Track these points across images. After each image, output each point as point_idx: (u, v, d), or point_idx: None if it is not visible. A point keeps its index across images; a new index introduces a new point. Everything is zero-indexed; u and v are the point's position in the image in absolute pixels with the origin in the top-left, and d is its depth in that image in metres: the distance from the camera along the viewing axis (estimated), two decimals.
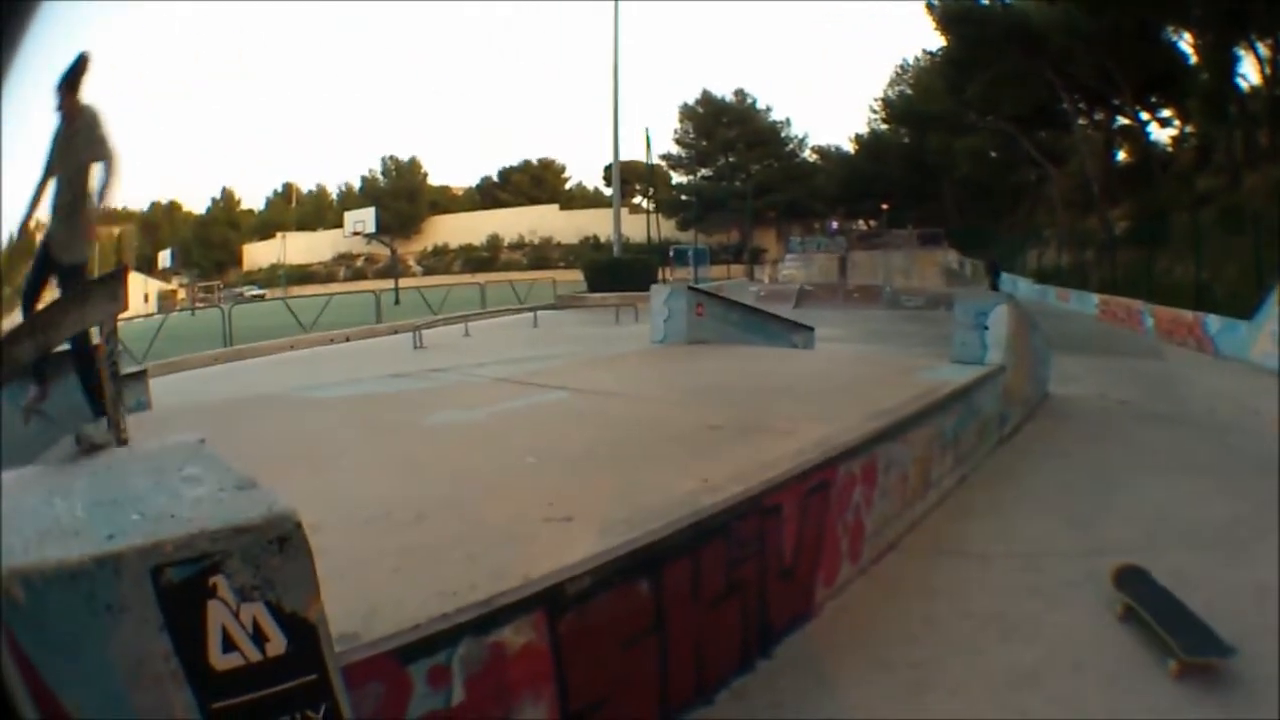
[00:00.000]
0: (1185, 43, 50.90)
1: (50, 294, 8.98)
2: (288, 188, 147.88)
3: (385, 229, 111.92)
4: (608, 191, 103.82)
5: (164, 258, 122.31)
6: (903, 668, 6.65)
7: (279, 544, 2.87)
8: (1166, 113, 60.74)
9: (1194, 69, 51.25)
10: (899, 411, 10.13)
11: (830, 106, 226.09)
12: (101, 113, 8.53)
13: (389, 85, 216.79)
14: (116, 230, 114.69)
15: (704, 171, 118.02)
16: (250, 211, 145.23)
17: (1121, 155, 68.85)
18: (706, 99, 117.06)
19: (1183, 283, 33.27)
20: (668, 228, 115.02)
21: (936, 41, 70.23)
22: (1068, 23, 49.05)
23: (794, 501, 7.20)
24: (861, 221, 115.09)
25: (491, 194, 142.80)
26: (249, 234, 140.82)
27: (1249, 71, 47.50)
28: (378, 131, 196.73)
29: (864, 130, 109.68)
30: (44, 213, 8.66)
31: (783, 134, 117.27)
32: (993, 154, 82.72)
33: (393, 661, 3.97)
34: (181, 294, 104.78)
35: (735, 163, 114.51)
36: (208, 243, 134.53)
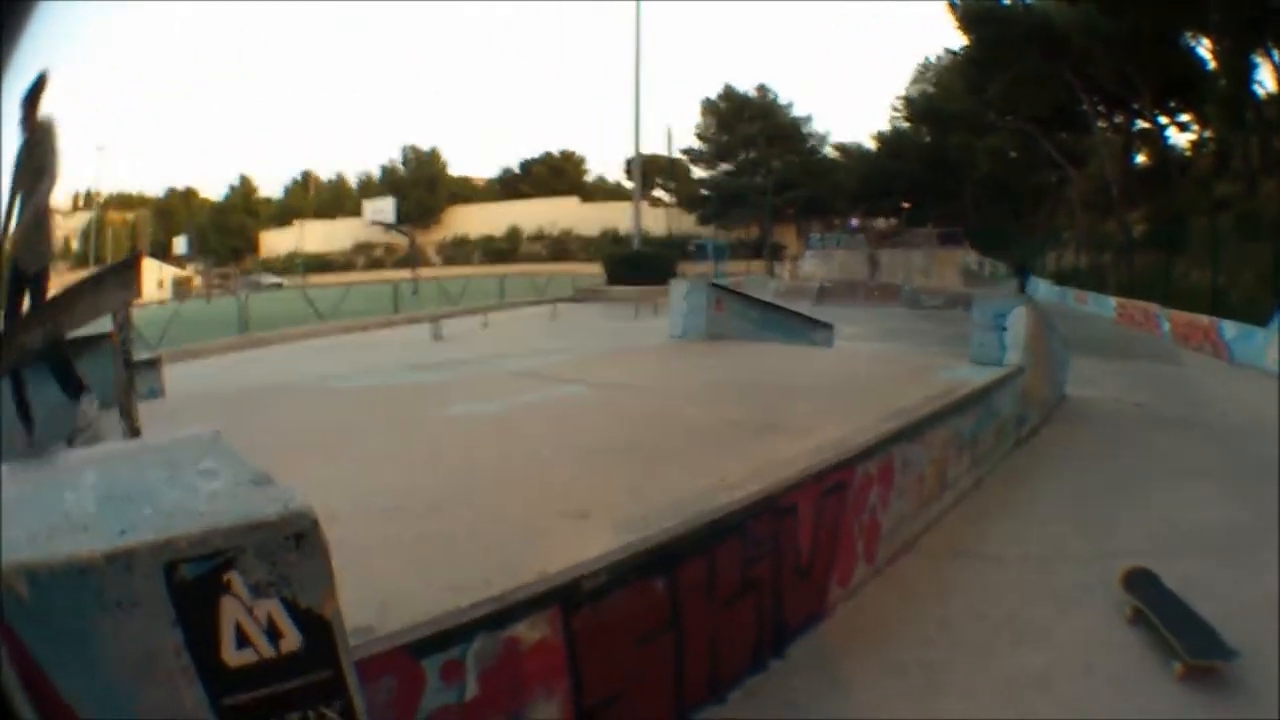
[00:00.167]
0: (1204, 48, 50.72)
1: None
2: (307, 176, 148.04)
3: (405, 219, 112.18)
4: (628, 184, 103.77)
5: (179, 244, 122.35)
6: (915, 669, 6.63)
7: (295, 541, 2.83)
8: (1185, 117, 60.58)
9: (1212, 74, 51.06)
10: (916, 412, 10.07)
11: (852, 104, 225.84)
12: (57, 126, 8.61)
13: (411, 75, 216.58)
14: (131, 216, 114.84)
15: (725, 166, 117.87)
16: (268, 199, 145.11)
17: (1140, 158, 68.68)
18: (728, 94, 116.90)
19: (1199, 287, 33.14)
20: (688, 222, 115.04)
21: (958, 40, 70.06)
22: (1088, 25, 48.90)
23: (810, 501, 7.16)
24: (882, 219, 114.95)
25: (512, 185, 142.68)
26: (267, 222, 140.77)
27: (1266, 78, 47.34)
28: (399, 121, 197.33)
29: (885, 128, 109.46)
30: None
31: (804, 130, 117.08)
32: (1013, 154, 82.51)
33: (406, 656, 3.95)
34: (197, 281, 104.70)
35: (756, 158, 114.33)
36: (225, 230, 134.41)
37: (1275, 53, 44.00)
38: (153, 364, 13.15)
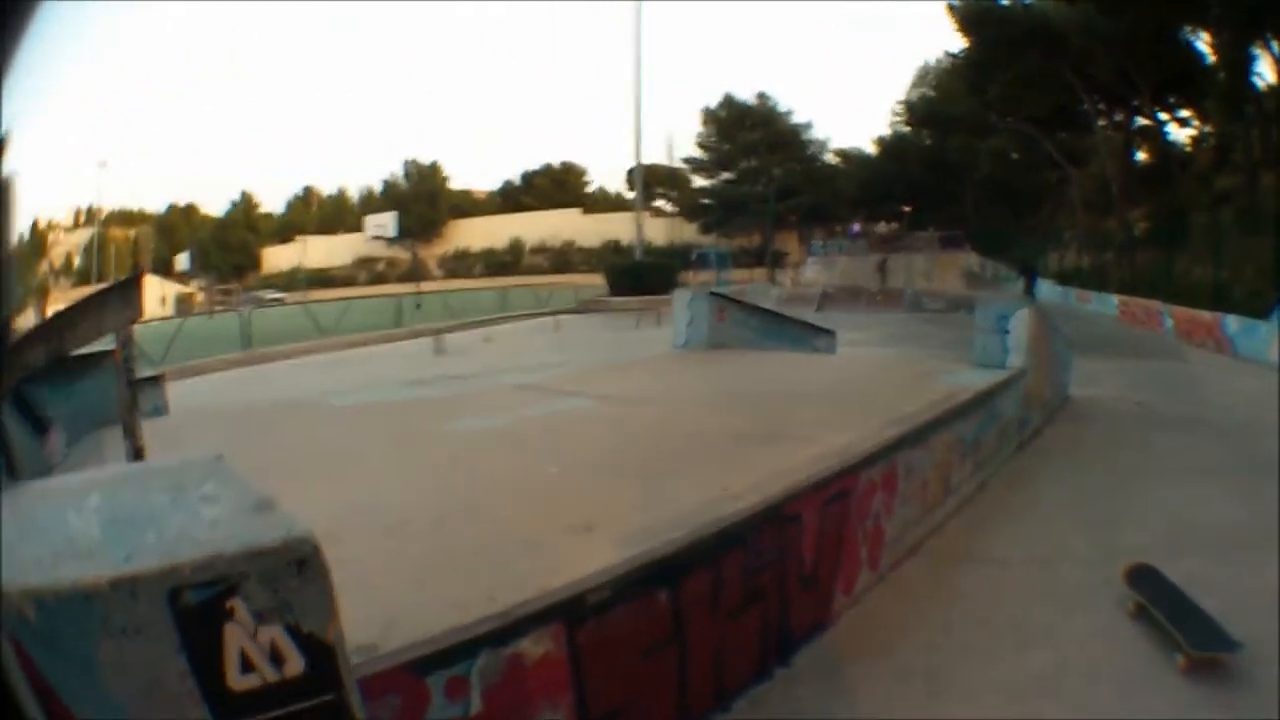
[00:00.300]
0: (1203, 43, 50.71)
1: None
2: (308, 191, 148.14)
3: (406, 233, 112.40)
4: (629, 195, 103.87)
5: (182, 260, 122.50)
6: (920, 674, 6.67)
7: (297, 567, 2.87)
8: (1185, 113, 60.58)
9: (1211, 69, 51.06)
10: (919, 417, 10.10)
11: (852, 109, 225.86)
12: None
13: (411, 88, 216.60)
14: (132, 233, 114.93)
15: (726, 175, 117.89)
16: (270, 215, 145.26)
17: (1141, 156, 68.67)
18: (729, 102, 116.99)
19: (1202, 283, 33.14)
20: (690, 231, 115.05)
21: (957, 43, 70.05)
22: (1087, 24, 48.92)
23: (814, 510, 7.20)
24: (883, 224, 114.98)
25: (513, 197, 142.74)
26: (268, 237, 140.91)
27: (1265, 71, 47.36)
28: (399, 135, 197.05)
29: (885, 133, 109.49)
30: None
31: (804, 137, 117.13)
32: (1014, 155, 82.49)
33: (410, 673, 3.99)
34: (200, 297, 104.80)
35: (757, 166, 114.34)
36: (226, 246, 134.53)
37: (1275, 45, 44.01)
38: (156, 381, 13.20)
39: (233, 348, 34.34)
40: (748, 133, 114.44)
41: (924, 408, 10.69)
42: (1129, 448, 14.17)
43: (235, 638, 2.76)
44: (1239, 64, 46.88)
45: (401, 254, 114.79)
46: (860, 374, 15.78)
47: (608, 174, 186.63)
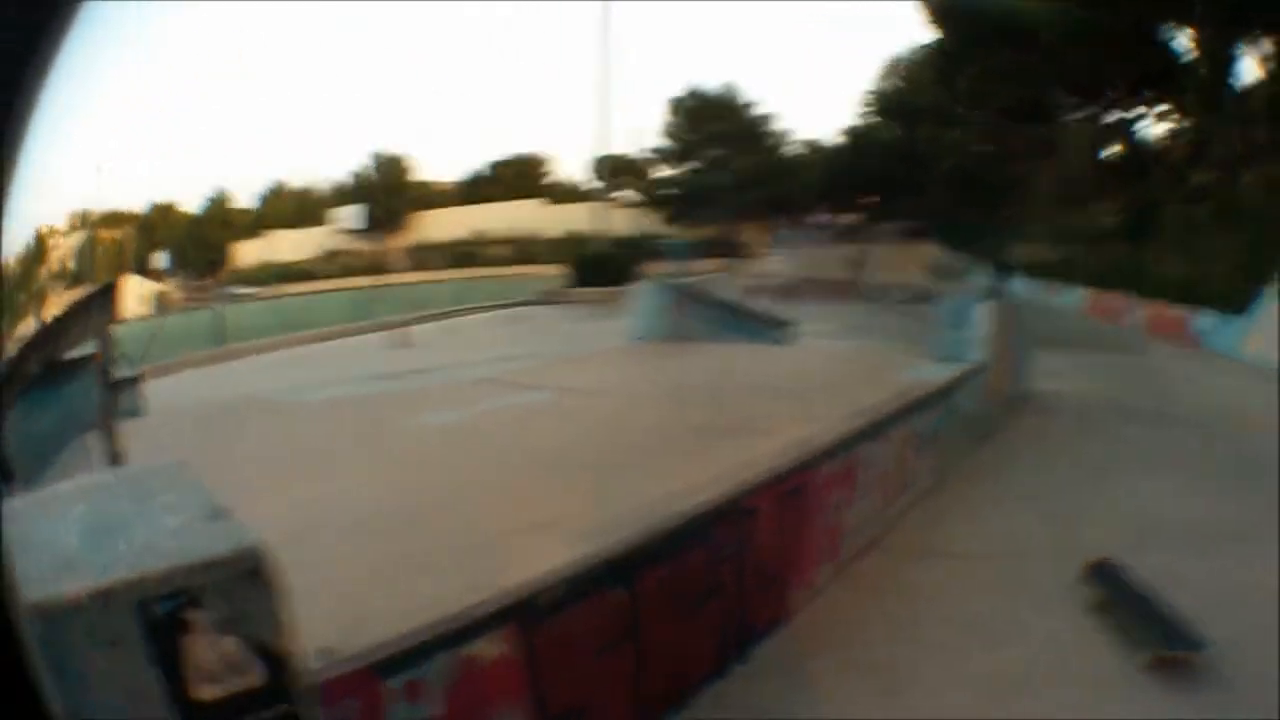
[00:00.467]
0: (1185, 39, 50.85)
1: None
2: (278, 185, 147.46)
3: (373, 225, 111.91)
4: (592, 186, 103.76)
5: (160, 259, 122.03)
6: (880, 670, 6.72)
7: (248, 577, 2.92)
8: (1163, 107, 60.81)
9: (1191, 65, 51.26)
10: (878, 410, 10.20)
11: (818, 100, 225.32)
12: None
13: (376, 79, 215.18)
14: (118, 234, 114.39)
15: (690, 165, 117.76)
16: (242, 210, 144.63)
17: (1112, 150, 68.89)
18: (694, 93, 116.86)
19: (1172, 277, 33.27)
20: (653, 222, 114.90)
21: (928, 35, 70.07)
22: (1062, 19, 49.02)
23: (771, 504, 7.27)
24: (848, 215, 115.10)
25: (477, 188, 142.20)
26: (241, 232, 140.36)
27: (1249, 68, 47.59)
28: (365, 126, 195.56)
29: (852, 124, 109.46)
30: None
31: (769, 128, 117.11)
32: (981, 147, 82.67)
33: (370, 676, 4.03)
34: (177, 295, 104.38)
35: (720, 157, 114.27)
36: (202, 242, 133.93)
37: (1263, 41, 44.24)
38: (134, 381, 13.20)
39: (207, 345, 34.61)
40: (712, 123, 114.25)
41: (883, 401, 10.77)
42: (1094, 442, 14.26)
43: (198, 648, 2.81)
44: (1221, 60, 47.09)
45: (367, 247, 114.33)
46: (820, 366, 15.89)
47: (571, 164, 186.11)
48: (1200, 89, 50.68)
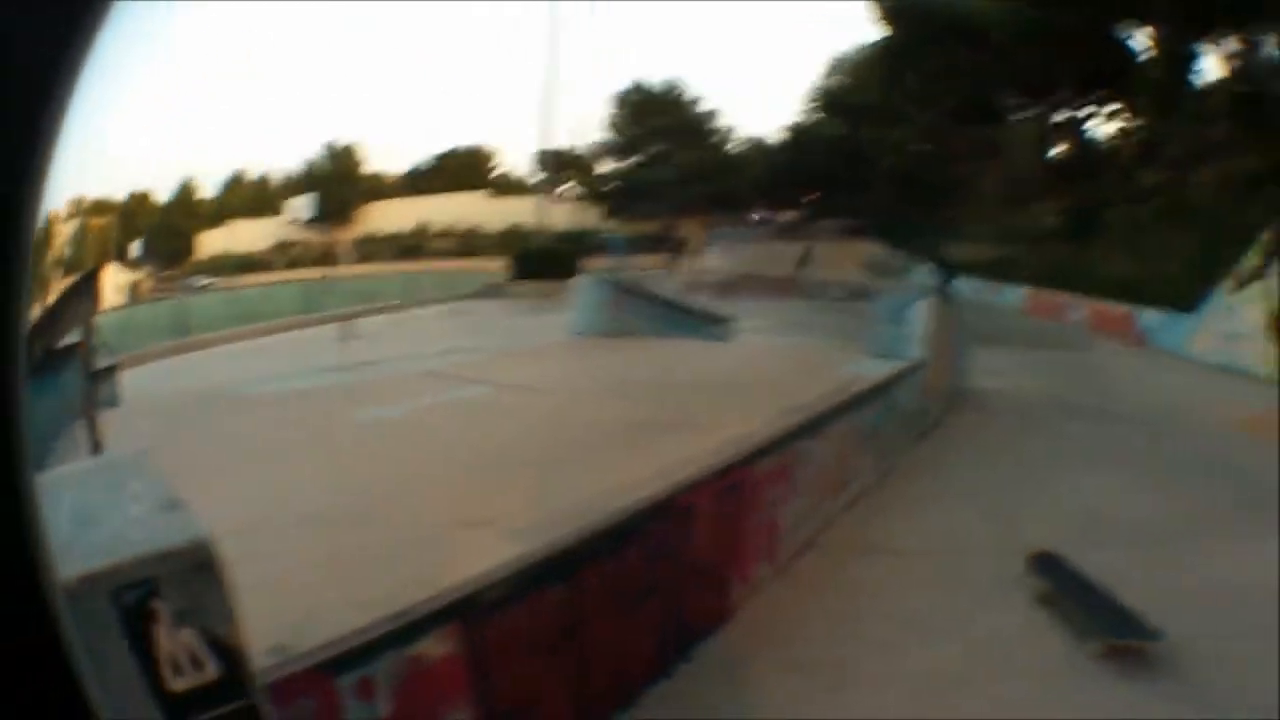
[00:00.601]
0: (1141, 38, 51.13)
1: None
2: (237, 174, 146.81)
3: (322, 216, 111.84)
4: (535, 179, 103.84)
5: (135, 249, 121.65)
6: (822, 667, 6.79)
7: (199, 569, 2.95)
8: (1113, 106, 61.18)
9: (1145, 64, 51.60)
10: (816, 407, 10.29)
11: (762, 97, 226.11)
12: None
13: (328, 68, 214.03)
14: (100, 222, 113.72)
15: (632, 160, 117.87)
16: (205, 200, 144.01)
17: (1059, 149, 69.43)
18: (637, 88, 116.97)
19: (1117, 276, 33.56)
20: (594, 216, 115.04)
21: (875, 33, 70.24)
22: (1013, 19, 49.18)
23: (709, 501, 7.31)
24: (787, 212, 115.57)
25: (423, 181, 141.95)
26: (205, 222, 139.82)
27: (1209, 67, 48.00)
28: (317, 116, 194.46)
29: (795, 121, 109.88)
30: None
31: (712, 124, 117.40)
32: (926, 146, 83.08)
33: (323, 674, 4.05)
34: (148, 284, 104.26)
35: (663, 152, 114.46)
36: (171, 232, 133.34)
37: (1224, 41, 44.60)
38: (111, 371, 13.18)
39: (170, 335, 35.14)
40: (655, 118, 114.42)
41: (822, 397, 10.84)
42: (1036, 438, 14.39)
43: (163, 639, 2.85)
44: (1178, 59, 47.45)
45: (317, 238, 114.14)
46: (758, 363, 16.02)
47: (515, 157, 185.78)
48: (1155, 88, 51.04)
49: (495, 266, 75.89)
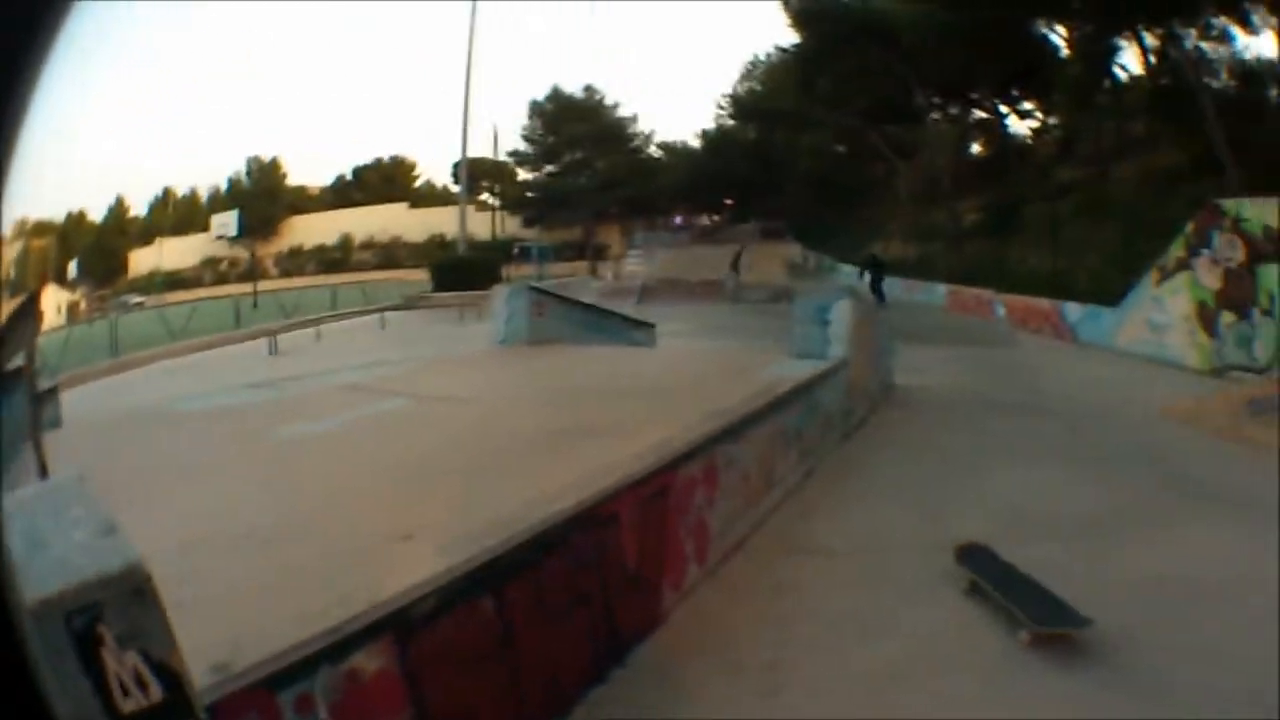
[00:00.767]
0: (1058, 35, 51.50)
1: None
2: (166, 192, 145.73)
3: (247, 231, 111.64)
4: (456, 189, 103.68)
5: (72, 269, 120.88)
6: (756, 669, 6.89)
7: (137, 594, 3.02)
8: (1028, 105, 61.70)
9: (1063, 61, 52.04)
10: (739, 410, 10.41)
11: (678, 103, 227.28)
12: None
13: (250, 81, 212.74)
14: (41, 243, 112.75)
15: (550, 168, 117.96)
16: (136, 218, 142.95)
17: (976, 148, 70.10)
18: (555, 95, 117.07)
19: (1037, 271, 33.92)
20: (513, 225, 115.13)
21: (788, 38, 70.45)
22: (927, 19, 49.36)
23: (633, 508, 7.41)
24: (705, 216, 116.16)
25: (345, 193, 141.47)
26: (135, 240, 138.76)
27: (1128, 62, 48.51)
28: (241, 130, 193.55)
29: (710, 126, 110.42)
30: None
31: (629, 130, 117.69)
32: (840, 148, 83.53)
33: (264, 691, 4.06)
34: (84, 304, 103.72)
35: (581, 159, 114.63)
36: (104, 251, 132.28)
37: (1145, 35, 45.01)
38: (54, 392, 13.07)
39: (103, 355, 35.30)
40: (573, 125, 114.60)
41: (744, 400, 10.97)
42: (962, 434, 14.57)
43: (110, 662, 2.91)
44: (1097, 56, 47.89)
45: (242, 253, 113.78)
46: (680, 367, 16.17)
47: (436, 168, 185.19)
48: (1073, 84, 51.55)
49: (418, 277, 76.03)
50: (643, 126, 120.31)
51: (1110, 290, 26.13)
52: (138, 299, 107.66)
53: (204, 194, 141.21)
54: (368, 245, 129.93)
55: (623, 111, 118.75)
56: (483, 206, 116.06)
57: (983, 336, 29.93)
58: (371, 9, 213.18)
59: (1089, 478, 11.76)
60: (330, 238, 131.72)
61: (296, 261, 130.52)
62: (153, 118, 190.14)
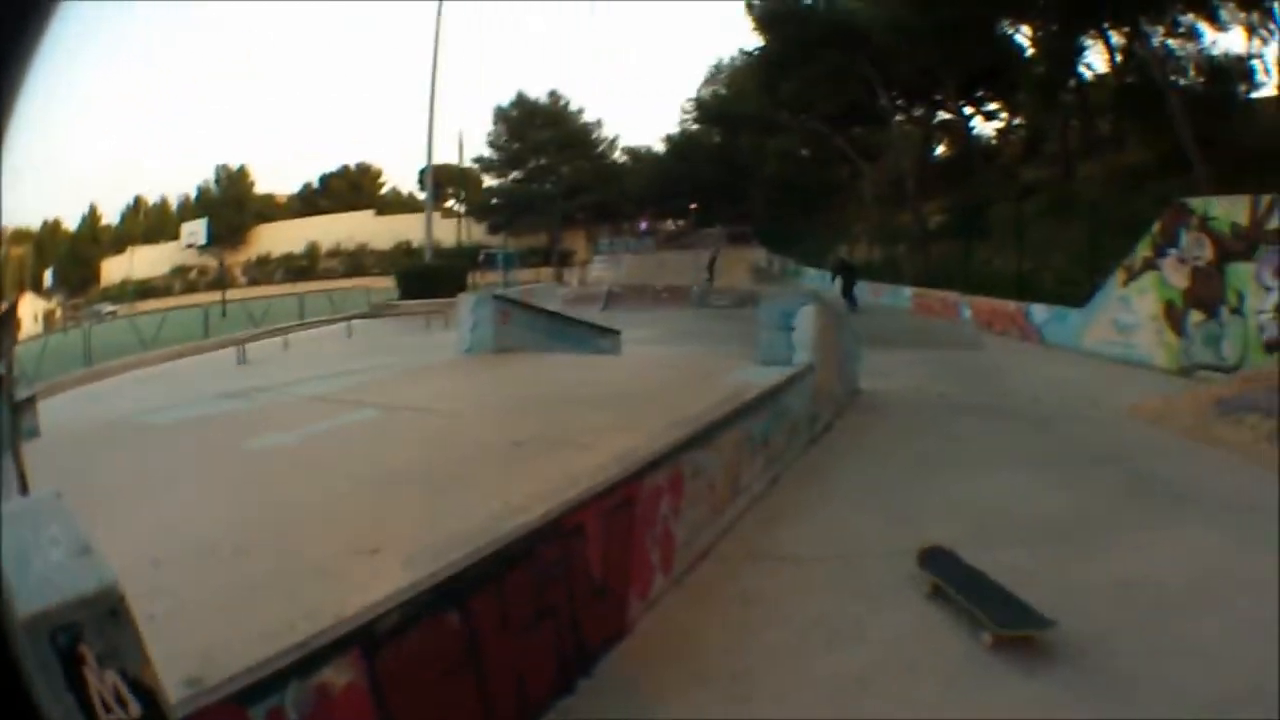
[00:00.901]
0: (1023, 35, 51.63)
1: None
2: (138, 200, 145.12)
3: (216, 239, 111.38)
4: (422, 196, 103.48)
5: (48, 277, 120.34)
6: (723, 678, 6.95)
7: (112, 614, 3.06)
8: (993, 105, 61.86)
9: (1028, 61, 52.20)
10: (704, 417, 10.47)
11: (643, 108, 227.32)
12: None
13: (219, 88, 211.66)
14: (19, 251, 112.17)
15: (515, 174, 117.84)
16: (109, 227, 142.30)
17: (941, 149, 70.33)
18: (520, 101, 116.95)
19: (1003, 273, 34.01)
20: (479, 231, 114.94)
21: (753, 42, 70.46)
22: (891, 20, 49.36)
23: (598, 519, 7.46)
24: (670, 221, 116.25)
25: (312, 201, 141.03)
26: (108, 249, 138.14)
27: (1093, 61, 48.74)
28: (210, 138, 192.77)
29: (676, 131, 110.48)
30: None
31: (594, 135, 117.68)
32: (804, 152, 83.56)
33: (235, 706, 4.08)
34: (59, 312, 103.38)
35: (546, 165, 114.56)
36: (78, 260, 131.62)
37: (1111, 34, 45.18)
38: (32, 402, 13.01)
39: (76, 364, 35.17)
40: (538, 131, 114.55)
41: (709, 407, 11.01)
42: (929, 437, 14.63)
43: (92, 680, 2.95)
44: (1063, 55, 48.05)
45: (211, 262, 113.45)
46: (646, 374, 16.18)
47: (401, 175, 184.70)
48: (1038, 84, 51.70)
49: (385, 284, 75.75)
50: (608, 131, 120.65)
51: (1077, 291, 26.28)
52: (110, 308, 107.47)
53: (174, 202, 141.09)
54: (334, 253, 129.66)
55: (588, 116, 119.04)
56: (449, 213, 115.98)
57: (949, 339, 29.98)
58: (337, 16, 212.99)
59: (1056, 480, 11.85)
60: (297, 246, 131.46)
61: (264, 270, 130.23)
62: (122, 124, 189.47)
